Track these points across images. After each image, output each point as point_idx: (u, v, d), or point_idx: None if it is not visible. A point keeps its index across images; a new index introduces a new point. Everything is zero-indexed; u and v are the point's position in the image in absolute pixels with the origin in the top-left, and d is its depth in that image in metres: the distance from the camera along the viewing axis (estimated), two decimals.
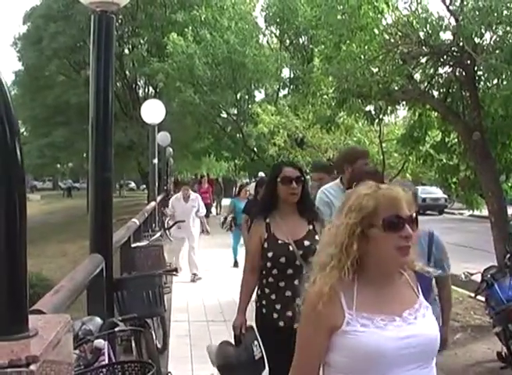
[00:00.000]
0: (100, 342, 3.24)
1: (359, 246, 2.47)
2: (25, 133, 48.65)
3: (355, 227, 2.49)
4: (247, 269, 5.05)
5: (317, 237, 4.76)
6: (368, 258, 2.51)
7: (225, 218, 15.21)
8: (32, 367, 1.62)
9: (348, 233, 2.49)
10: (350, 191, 2.72)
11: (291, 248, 4.74)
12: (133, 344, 5.16)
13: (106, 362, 3.44)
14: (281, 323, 4.70)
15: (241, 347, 4.78)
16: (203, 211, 14.57)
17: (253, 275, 4.94)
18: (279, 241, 4.77)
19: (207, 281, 13.13)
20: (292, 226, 4.85)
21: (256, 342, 4.77)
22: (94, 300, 4.45)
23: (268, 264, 4.79)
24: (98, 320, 3.63)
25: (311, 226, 4.94)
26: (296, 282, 4.62)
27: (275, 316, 4.75)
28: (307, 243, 4.81)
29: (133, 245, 8.02)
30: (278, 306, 4.75)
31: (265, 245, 4.81)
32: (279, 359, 4.38)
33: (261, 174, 27.88)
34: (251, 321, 4.94)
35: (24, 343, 1.74)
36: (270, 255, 4.76)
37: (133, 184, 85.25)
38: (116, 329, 3.67)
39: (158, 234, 11.09)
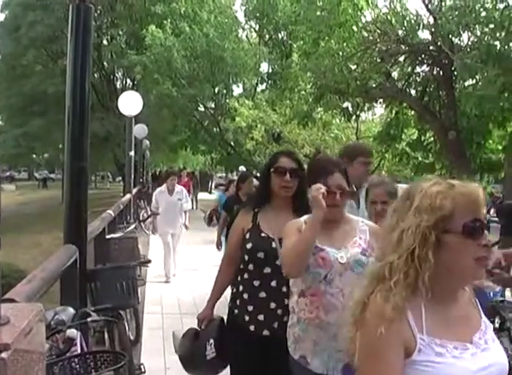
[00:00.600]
0: (72, 332, 3.24)
1: (434, 256, 2.07)
2: (0, 122, 48.25)
3: (428, 232, 2.07)
4: (224, 259, 4.67)
5: None
6: (439, 270, 2.10)
7: (210, 213, 13.96)
8: (3, 355, 1.62)
9: (419, 239, 2.08)
10: (409, 187, 2.25)
11: (274, 245, 4.19)
12: (106, 336, 5.15)
13: (78, 352, 3.44)
14: (251, 327, 4.23)
15: (196, 343, 4.53)
16: (188, 205, 13.84)
17: (229, 267, 4.52)
18: (262, 234, 4.29)
19: (182, 275, 13.12)
20: (282, 222, 4.12)
21: (212, 341, 4.44)
22: (67, 290, 4.44)
23: (246, 257, 4.32)
24: (71, 310, 3.62)
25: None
26: (273, 283, 4.19)
27: (247, 318, 4.27)
28: None
29: (107, 236, 8.00)
30: (250, 308, 4.26)
31: (247, 236, 4.34)
32: (244, 364, 4.30)
33: (242, 168, 27.89)
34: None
35: None
36: (249, 246, 4.29)
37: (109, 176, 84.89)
38: (89, 319, 3.67)
39: (133, 226, 11.07)
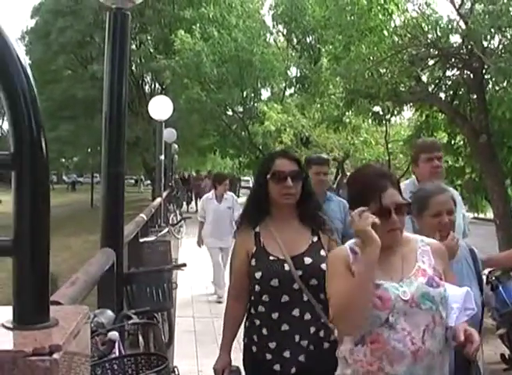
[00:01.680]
0: (114, 334, 3.29)
1: None
2: None
3: None
4: (230, 294, 3.97)
5: (323, 253, 3.70)
6: None
7: None
8: (55, 356, 1.65)
9: None
10: None
11: (287, 267, 3.60)
12: (141, 338, 5.21)
13: (117, 354, 3.48)
14: (276, 367, 3.62)
15: None
16: (238, 214, 10.87)
17: (239, 302, 3.85)
18: (271, 257, 3.64)
19: (211, 277, 13.17)
20: (289, 237, 3.67)
21: None
22: (105, 293, 4.49)
23: (257, 288, 3.68)
24: (110, 313, 3.67)
25: (315, 238, 3.78)
26: (295, 312, 3.62)
27: (269, 356, 3.66)
28: (308, 260, 3.66)
29: (140, 240, 8.08)
30: (272, 344, 3.65)
31: (253, 262, 3.69)
32: None
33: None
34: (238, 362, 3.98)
35: (46, 332, 1.77)
36: (258, 275, 3.64)
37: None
38: (130, 321, 3.72)
39: (166, 230, 11.15)
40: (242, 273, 3.79)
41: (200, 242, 11.87)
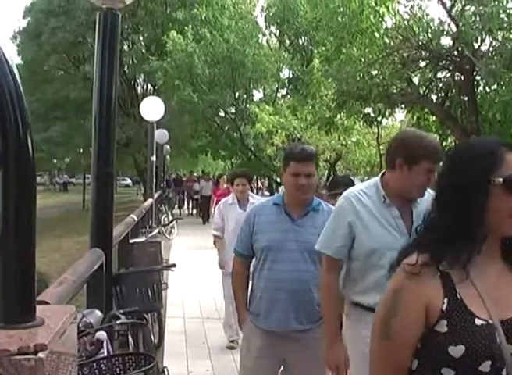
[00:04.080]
0: (102, 334, 3.29)
1: None
2: None
3: None
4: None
5: None
6: None
7: None
8: (40, 355, 1.65)
9: None
10: None
11: (498, 339, 1.96)
12: (130, 339, 5.19)
13: (105, 354, 3.48)
14: None
15: None
16: None
17: None
18: (478, 321, 1.98)
19: (204, 279, 13.17)
20: (495, 285, 2.09)
21: None
22: (94, 294, 4.48)
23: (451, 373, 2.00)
24: (98, 313, 3.67)
25: None
26: None
27: None
28: None
29: (131, 241, 8.05)
30: None
31: (442, 327, 2.01)
32: None
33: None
34: None
35: (32, 331, 1.77)
36: (459, 352, 1.97)
37: (128, 181, 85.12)
38: (118, 321, 3.72)
39: (156, 231, 11.13)
40: (408, 346, 2.08)
41: (223, 263, 8.65)
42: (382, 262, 3.41)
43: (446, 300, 2.04)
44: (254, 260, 4.58)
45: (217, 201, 12.20)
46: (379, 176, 3.84)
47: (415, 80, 14.05)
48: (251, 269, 4.63)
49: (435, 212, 2.20)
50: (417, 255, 2.08)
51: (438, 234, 2.11)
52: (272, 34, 34.21)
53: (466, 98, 12.74)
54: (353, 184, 5.35)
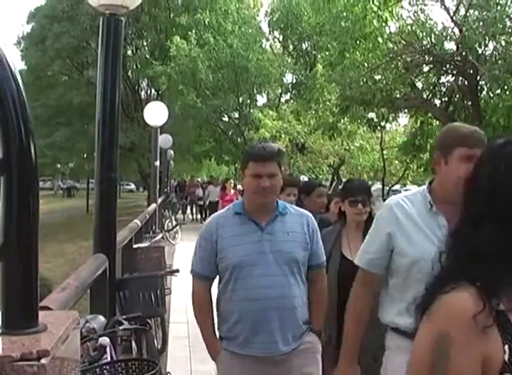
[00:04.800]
0: (105, 340, 3.29)
1: None
2: None
3: None
4: None
5: None
6: None
7: None
8: (43, 361, 1.65)
9: None
10: None
11: None
12: (134, 344, 5.20)
13: (108, 360, 3.48)
14: None
15: None
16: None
17: None
18: None
19: None
20: None
21: None
22: (97, 299, 4.49)
23: None
24: (101, 319, 3.66)
25: None
26: None
27: None
28: None
29: (134, 246, 8.06)
30: None
31: None
32: None
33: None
34: None
35: (35, 337, 1.77)
36: None
37: (132, 186, 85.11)
38: (121, 327, 3.72)
39: (160, 236, 11.13)
40: None
41: None
42: (424, 277, 2.60)
43: (506, 348, 1.60)
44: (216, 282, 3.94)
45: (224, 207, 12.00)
46: (427, 182, 3.37)
47: (419, 84, 14.06)
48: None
49: (479, 230, 1.73)
50: (483, 298, 1.60)
51: (491, 262, 1.65)
52: (276, 39, 34.28)
53: (469, 103, 12.74)
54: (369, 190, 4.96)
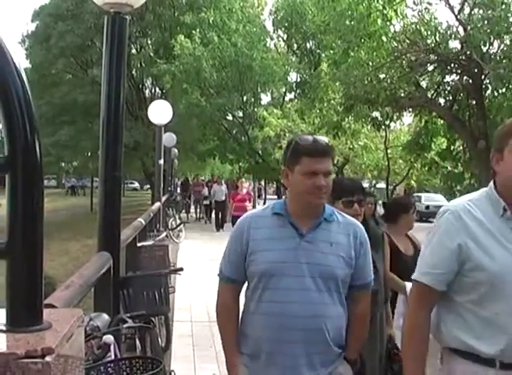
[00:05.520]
0: (109, 338, 3.29)
1: None
2: None
3: None
4: None
5: None
6: None
7: None
8: (47, 359, 1.65)
9: None
10: None
11: None
12: (138, 342, 5.20)
13: (113, 358, 3.48)
14: None
15: None
16: None
17: None
18: None
19: (210, 282, 13.15)
20: None
21: None
22: (101, 297, 4.49)
23: None
24: (105, 317, 3.67)
25: None
26: None
27: None
28: None
29: (138, 244, 8.06)
30: None
31: None
32: None
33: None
34: None
35: (39, 335, 1.77)
36: None
37: (136, 184, 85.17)
38: (125, 325, 3.73)
39: (164, 234, 11.13)
40: None
41: None
42: (504, 293, 2.64)
43: None
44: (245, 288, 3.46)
45: (237, 207, 11.80)
46: (491, 183, 2.85)
47: (423, 83, 14.04)
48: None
49: None
50: None
51: None
52: (280, 38, 34.32)
53: (474, 102, 12.72)
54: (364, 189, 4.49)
